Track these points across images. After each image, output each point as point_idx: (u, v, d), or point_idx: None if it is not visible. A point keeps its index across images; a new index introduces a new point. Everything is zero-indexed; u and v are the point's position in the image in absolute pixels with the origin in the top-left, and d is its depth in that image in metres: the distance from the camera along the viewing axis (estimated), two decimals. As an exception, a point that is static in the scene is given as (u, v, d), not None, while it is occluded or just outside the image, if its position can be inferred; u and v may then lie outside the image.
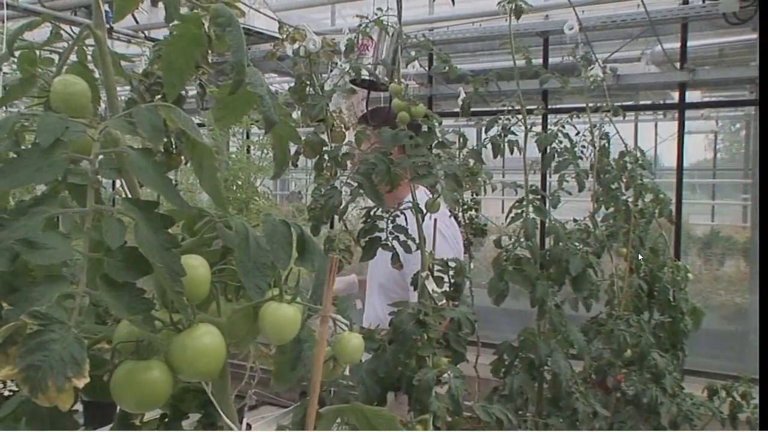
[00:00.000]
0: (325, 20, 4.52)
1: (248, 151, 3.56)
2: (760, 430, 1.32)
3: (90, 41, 0.76)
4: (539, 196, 2.42)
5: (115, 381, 0.55)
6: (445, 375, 1.36)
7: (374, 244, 1.43)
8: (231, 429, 0.66)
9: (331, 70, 2.84)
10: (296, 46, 2.72)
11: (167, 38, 0.84)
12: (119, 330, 0.59)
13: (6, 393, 2.57)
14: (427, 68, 4.02)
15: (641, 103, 4.83)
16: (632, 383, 2.38)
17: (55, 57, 0.78)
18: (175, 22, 0.91)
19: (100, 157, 0.57)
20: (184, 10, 0.80)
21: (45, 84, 0.65)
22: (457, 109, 3.34)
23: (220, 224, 0.71)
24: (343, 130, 2.66)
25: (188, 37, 0.80)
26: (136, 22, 4.47)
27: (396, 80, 1.49)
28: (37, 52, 0.77)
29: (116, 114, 0.66)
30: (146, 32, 4.62)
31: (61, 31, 0.83)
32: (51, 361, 0.45)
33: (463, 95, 2.86)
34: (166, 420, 0.77)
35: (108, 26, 4.09)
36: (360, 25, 1.78)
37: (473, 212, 3.40)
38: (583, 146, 2.70)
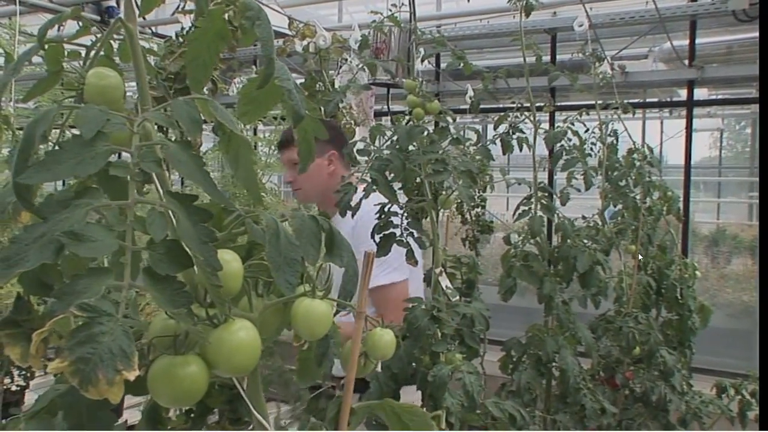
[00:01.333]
0: (333, 16, 4.51)
1: (255, 147, 3.55)
2: (760, 430, 1.33)
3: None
4: (547, 194, 2.42)
5: (152, 376, 0.55)
6: (460, 371, 1.36)
7: (389, 241, 1.43)
8: (262, 424, 0.66)
9: (341, 67, 2.84)
10: (306, 42, 2.72)
11: (191, 33, 0.84)
12: (154, 324, 0.59)
13: (14, 388, 2.54)
14: (434, 65, 4.02)
15: (649, 100, 4.82)
16: (641, 380, 2.39)
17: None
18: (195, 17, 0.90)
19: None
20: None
21: (80, 76, 0.65)
22: (464, 106, 3.34)
23: (248, 219, 0.71)
24: (353, 126, 2.66)
25: (213, 31, 0.79)
26: (144, 18, 4.47)
27: (411, 77, 1.49)
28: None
29: (147, 107, 0.66)
30: (153, 28, 4.62)
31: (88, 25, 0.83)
32: (101, 353, 0.45)
33: (471, 92, 2.86)
34: (192, 415, 0.77)
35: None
36: (374, 21, 1.78)
37: (479, 209, 3.41)
38: (593, 143, 2.70)
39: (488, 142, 2.16)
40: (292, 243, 0.69)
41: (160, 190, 0.62)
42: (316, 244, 0.72)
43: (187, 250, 0.53)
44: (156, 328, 0.58)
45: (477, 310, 1.46)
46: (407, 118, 1.88)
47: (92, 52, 0.74)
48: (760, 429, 1.34)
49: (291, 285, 0.67)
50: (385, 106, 4.07)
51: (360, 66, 1.86)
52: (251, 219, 0.71)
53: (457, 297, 1.53)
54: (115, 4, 4.78)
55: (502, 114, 2.06)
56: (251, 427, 0.71)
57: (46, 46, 0.73)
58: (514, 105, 2.42)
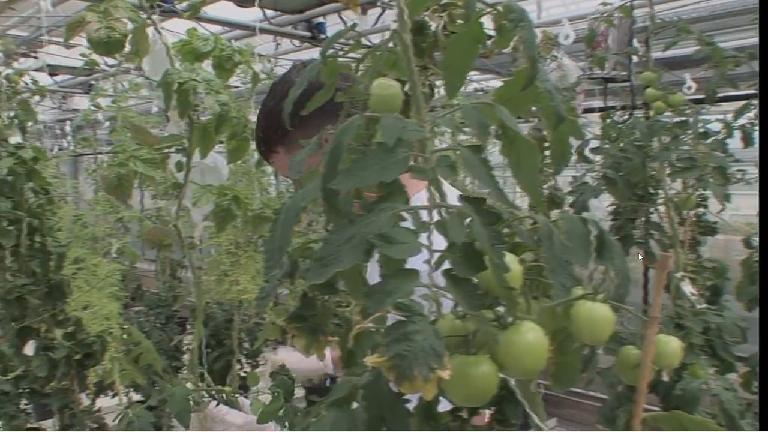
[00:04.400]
0: (532, 13, 4.41)
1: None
2: (759, 430, 1.16)
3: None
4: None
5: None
6: (712, 386, 1.24)
7: (628, 243, 1.35)
8: (539, 426, 0.65)
9: (549, 63, 2.76)
10: (514, 41, 2.68)
11: (449, 39, 0.85)
12: (442, 325, 0.61)
13: (242, 374, 2.84)
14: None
15: None
16: None
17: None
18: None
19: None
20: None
21: (365, 87, 0.69)
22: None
23: (517, 221, 0.70)
24: (566, 124, 2.57)
25: (469, 37, 0.80)
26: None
27: (648, 68, 1.39)
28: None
29: (422, 115, 0.68)
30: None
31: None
32: (415, 351, 0.47)
33: (689, 82, 2.62)
34: (461, 414, 0.78)
35: (324, 36, 4.35)
36: (602, 13, 1.70)
37: (701, 209, 3.12)
38: None
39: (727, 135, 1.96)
40: (565, 245, 0.67)
41: (435, 194, 0.63)
42: (587, 246, 0.70)
43: (483, 252, 0.54)
44: (445, 328, 0.60)
45: (730, 320, 1.32)
46: (617, 113, 1.77)
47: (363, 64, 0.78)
48: (760, 429, 1.17)
49: (565, 287, 0.65)
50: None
51: (590, 60, 1.78)
52: (519, 221, 0.70)
53: (703, 304, 1.40)
54: (323, 20, 5.10)
55: (745, 102, 1.85)
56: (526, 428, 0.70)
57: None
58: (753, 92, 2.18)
